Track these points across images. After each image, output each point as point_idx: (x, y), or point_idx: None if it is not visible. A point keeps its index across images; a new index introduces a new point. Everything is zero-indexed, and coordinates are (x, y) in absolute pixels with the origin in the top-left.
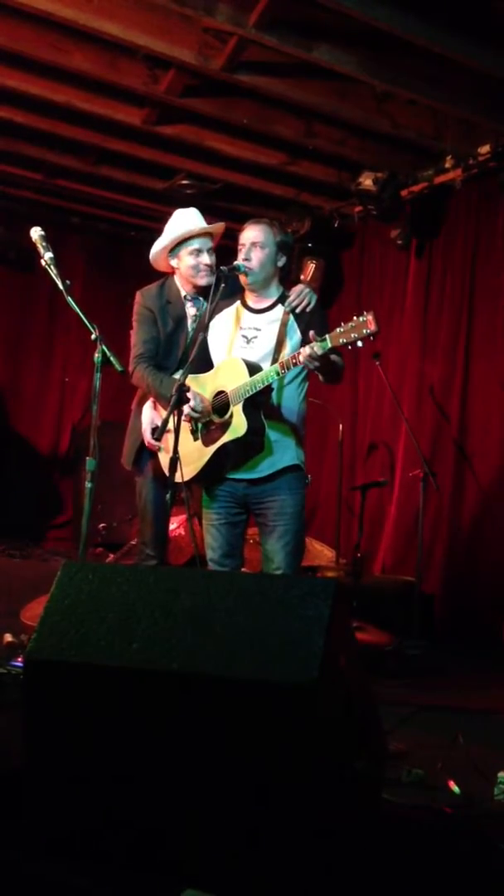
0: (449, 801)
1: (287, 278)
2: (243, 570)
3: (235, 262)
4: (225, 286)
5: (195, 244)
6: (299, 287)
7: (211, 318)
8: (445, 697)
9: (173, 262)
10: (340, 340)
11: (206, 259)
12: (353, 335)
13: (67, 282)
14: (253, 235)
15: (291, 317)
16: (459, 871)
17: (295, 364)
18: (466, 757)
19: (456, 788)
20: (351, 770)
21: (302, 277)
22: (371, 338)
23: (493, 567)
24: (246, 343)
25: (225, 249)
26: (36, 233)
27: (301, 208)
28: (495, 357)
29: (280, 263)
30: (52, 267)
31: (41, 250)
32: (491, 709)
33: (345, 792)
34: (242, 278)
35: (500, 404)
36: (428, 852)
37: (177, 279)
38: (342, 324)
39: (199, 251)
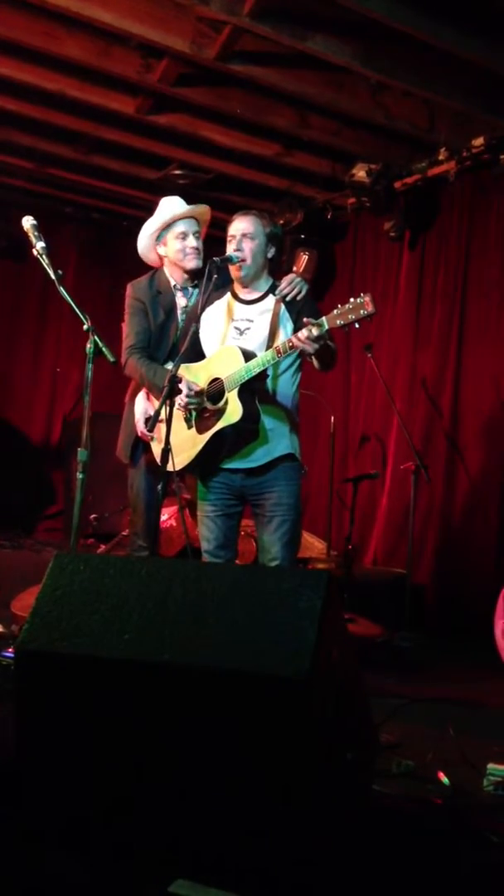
0: (439, 792)
1: (278, 270)
2: (235, 562)
3: (228, 254)
4: (217, 277)
5: (180, 227)
6: (290, 276)
7: (203, 309)
8: (436, 689)
9: (160, 250)
10: (338, 322)
11: (192, 242)
12: (350, 316)
13: (59, 272)
14: (243, 227)
15: (283, 306)
16: (449, 861)
17: (292, 348)
18: (456, 748)
19: (446, 779)
20: (342, 761)
21: (294, 269)
22: (368, 319)
23: (483, 559)
24: (239, 335)
25: (216, 240)
26: (27, 222)
27: (294, 199)
28: (488, 350)
29: (270, 255)
30: (43, 256)
31: (33, 240)
32: (481, 700)
33: (336, 783)
34: (234, 270)
35: (492, 397)
36: (418, 843)
37: (166, 269)
38: (339, 305)
39: (185, 234)
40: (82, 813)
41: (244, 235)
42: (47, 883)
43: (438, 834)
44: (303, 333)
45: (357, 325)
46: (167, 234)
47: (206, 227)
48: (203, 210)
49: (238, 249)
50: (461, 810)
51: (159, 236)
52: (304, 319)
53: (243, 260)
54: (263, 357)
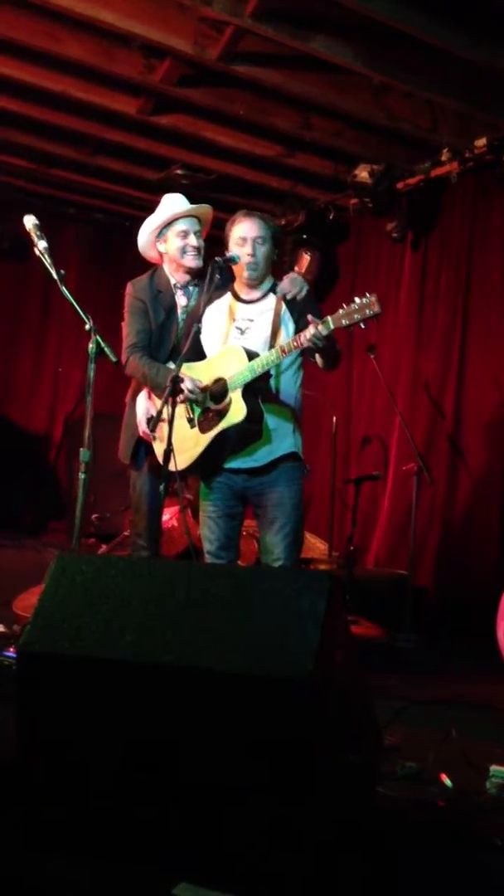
0: (441, 795)
1: (279, 270)
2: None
3: (230, 254)
4: (219, 277)
5: (182, 225)
6: (291, 275)
7: (204, 309)
8: (438, 691)
9: (161, 247)
10: (343, 322)
11: (193, 241)
12: (356, 316)
13: (62, 272)
14: (255, 232)
15: (285, 306)
16: (451, 863)
17: (296, 347)
18: (459, 750)
19: (448, 782)
20: (346, 764)
21: (297, 270)
22: (374, 319)
23: (485, 561)
24: (240, 334)
25: (215, 239)
26: (30, 222)
27: (296, 200)
28: (490, 351)
29: (274, 256)
30: (46, 256)
31: (35, 239)
32: (484, 702)
33: (340, 785)
34: (240, 271)
35: (494, 399)
36: (421, 845)
37: (166, 268)
38: (344, 305)
39: (185, 233)
40: (84, 815)
41: (256, 239)
42: (49, 886)
43: (441, 836)
44: (309, 332)
45: (363, 325)
46: (168, 231)
47: (207, 226)
48: (205, 210)
49: (253, 255)
50: (464, 813)
51: (160, 233)
52: (309, 318)
53: (257, 265)
54: (267, 357)
